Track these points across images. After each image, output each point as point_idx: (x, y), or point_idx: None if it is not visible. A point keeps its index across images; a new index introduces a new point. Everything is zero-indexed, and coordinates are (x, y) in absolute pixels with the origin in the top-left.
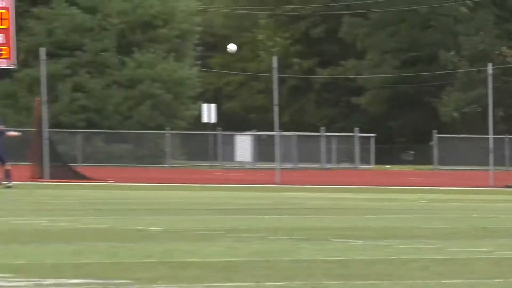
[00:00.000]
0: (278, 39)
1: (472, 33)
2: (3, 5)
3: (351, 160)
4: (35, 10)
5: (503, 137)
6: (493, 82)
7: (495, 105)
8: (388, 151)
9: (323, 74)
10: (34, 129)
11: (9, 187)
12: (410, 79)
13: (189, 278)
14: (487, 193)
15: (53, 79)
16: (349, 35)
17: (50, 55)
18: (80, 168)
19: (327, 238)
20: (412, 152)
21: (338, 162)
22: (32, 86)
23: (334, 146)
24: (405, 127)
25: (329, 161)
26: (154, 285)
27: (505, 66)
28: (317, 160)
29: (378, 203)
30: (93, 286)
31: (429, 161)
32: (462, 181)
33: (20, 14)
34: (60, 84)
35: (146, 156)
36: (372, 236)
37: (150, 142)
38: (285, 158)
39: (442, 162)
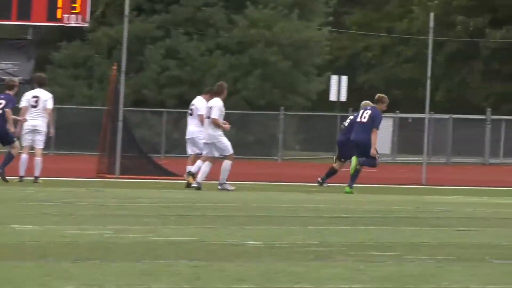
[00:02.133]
0: None
1: None
2: None
3: None
4: None
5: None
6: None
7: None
8: None
9: (496, 37)
10: (106, 108)
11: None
12: None
13: None
14: None
15: (138, 42)
16: None
17: (138, 10)
18: (164, 160)
19: (484, 259)
20: None
21: (508, 155)
22: (111, 51)
23: (503, 135)
24: None
25: (495, 154)
26: None
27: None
28: (479, 153)
29: None
30: None
31: None
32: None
33: None
34: (147, 48)
35: (252, 145)
36: None
37: (257, 126)
38: (436, 150)
39: None
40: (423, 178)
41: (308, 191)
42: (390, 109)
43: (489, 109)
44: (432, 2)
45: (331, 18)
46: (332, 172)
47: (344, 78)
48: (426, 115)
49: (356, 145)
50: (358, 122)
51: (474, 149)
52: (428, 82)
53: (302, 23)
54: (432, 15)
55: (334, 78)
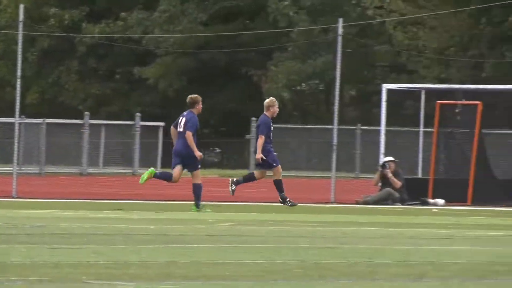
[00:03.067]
0: None
1: None
2: None
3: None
4: None
5: (354, 128)
6: (343, 47)
7: (344, 81)
8: None
9: (93, 32)
10: None
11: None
12: (222, 41)
13: None
14: (327, 212)
15: None
16: None
17: None
18: None
19: (80, 279)
20: (218, 150)
21: (108, 164)
22: None
23: (103, 141)
24: (212, 113)
25: (94, 163)
26: None
27: (363, 23)
28: (77, 162)
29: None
30: None
31: (244, 163)
32: (294, 194)
33: None
34: None
35: None
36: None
37: None
38: (28, 158)
39: None
40: (13, 190)
41: None
42: None
43: (87, 113)
44: None
45: None
46: None
47: None
48: (16, 120)
49: None
50: None
51: (71, 158)
52: (18, 82)
53: None
54: (22, 7)
55: None
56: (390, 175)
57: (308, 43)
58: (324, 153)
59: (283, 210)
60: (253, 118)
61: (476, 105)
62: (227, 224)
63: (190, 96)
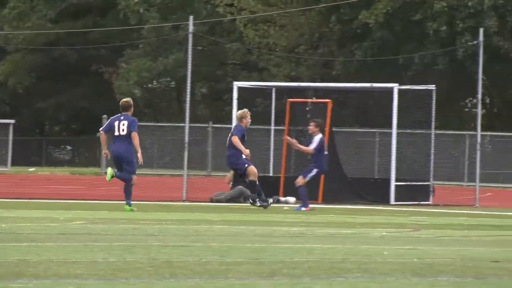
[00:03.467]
0: None
1: None
2: None
3: None
4: None
5: (206, 126)
6: (194, 44)
7: (195, 79)
8: (36, 146)
9: None
10: None
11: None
12: (72, 37)
13: None
14: (180, 210)
15: None
16: None
17: None
18: None
19: None
20: (69, 147)
21: None
22: None
23: None
24: (62, 110)
25: None
26: None
27: (214, 20)
28: None
29: None
30: None
31: (96, 161)
32: (146, 192)
33: None
34: None
35: None
36: None
37: None
38: None
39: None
40: None
41: None
42: None
43: None
44: None
45: None
46: None
47: None
48: None
49: None
50: None
51: None
52: None
53: None
54: None
55: None
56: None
57: (159, 41)
58: (176, 151)
59: (136, 208)
60: (104, 116)
61: (326, 103)
62: (78, 222)
63: (124, 100)
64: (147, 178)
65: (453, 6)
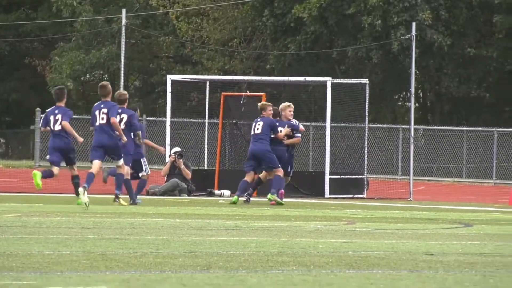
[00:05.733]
0: None
1: None
2: None
3: None
4: None
5: (140, 120)
6: (128, 37)
7: (129, 72)
8: None
9: None
10: None
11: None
12: (5, 30)
13: None
14: (115, 203)
15: None
16: None
17: None
18: None
19: None
20: (2, 140)
21: None
22: None
23: None
24: None
25: None
26: None
27: (147, 13)
28: None
29: None
30: None
31: (29, 154)
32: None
33: None
34: None
35: None
36: None
37: None
38: None
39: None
40: None
41: None
42: None
43: None
44: None
45: None
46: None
47: None
48: None
49: None
50: None
51: None
52: None
53: None
54: None
55: None
56: (182, 166)
57: (92, 34)
58: None
59: (70, 201)
60: (38, 109)
61: (260, 96)
62: (12, 215)
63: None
64: (80, 171)
65: (388, 0)
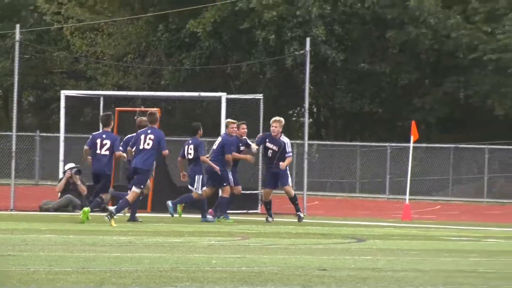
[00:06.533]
0: None
1: None
2: None
3: None
4: None
5: (33, 135)
6: (22, 53)
7: (23, 88)
8: None
9: None
10: None
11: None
12: None
13: None
14: (7, 219)
15: None
16: None
17: None
18: None
19: None
20: None
21: None
22: None
23: None
24: None
25: None
26: None
27: (41, 28)
28: None
29: None
30: None
31: None
32: None
33: None
34: None
35: None
36: None
37: None
38: None
39: None
40: None
41: None
42: None
43: None
44: None
45: None
46: None
47: None
48: None
49: None
50: None
51: None
52: None
53: None
54: None
55: None
56: (79, 182)
57: None
58: (3, 160)
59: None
60: None
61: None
62: None
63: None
64: None
65: (282, 15)
